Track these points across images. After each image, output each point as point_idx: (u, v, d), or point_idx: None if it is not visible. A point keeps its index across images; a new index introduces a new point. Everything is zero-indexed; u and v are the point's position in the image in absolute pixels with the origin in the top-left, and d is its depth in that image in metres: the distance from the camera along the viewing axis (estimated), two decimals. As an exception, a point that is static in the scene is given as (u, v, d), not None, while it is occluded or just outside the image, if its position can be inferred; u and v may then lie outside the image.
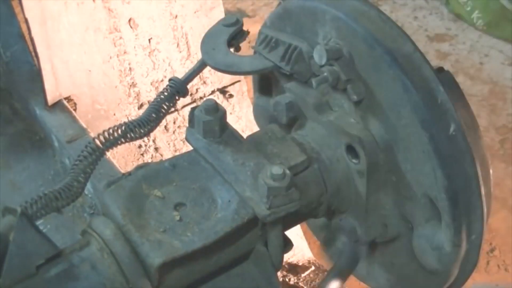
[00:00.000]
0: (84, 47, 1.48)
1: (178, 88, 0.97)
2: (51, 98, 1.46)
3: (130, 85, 1.57)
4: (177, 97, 0.97)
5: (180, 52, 1.61)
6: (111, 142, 0.89)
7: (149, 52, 1.57)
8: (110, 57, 1.52)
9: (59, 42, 1.43)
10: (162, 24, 1.57)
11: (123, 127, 0.90)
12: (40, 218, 0.82)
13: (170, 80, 0.98)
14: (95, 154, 0.88)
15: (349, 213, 0.93)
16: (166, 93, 0.97)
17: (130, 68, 1.55)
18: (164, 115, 0.95)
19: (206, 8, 1.60)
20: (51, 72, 1.43)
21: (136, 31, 1.53)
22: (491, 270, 1.72)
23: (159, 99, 0.96)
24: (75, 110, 1.49)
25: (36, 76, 1.45)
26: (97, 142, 0.88)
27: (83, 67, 1.48)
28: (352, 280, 1.15)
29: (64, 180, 0.86)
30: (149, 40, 1.56)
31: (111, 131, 0.89)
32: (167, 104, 0.96)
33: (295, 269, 1.60)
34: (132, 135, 0.91)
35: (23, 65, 1.48)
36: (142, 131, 0.92)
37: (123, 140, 0.90)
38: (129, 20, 1.52)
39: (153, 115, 0.94)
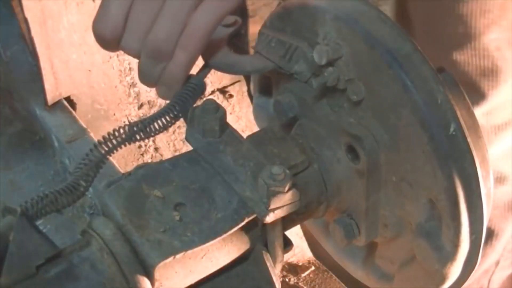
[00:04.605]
0: (84, 47, 1.48)
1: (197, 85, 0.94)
2: (50, 98, 1.46)
3: (130, 85, 1.57)
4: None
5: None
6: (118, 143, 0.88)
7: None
8: (110, 57, 1.52)
9: (59, 42, 1.43)
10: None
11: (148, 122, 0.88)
12: (40, 218, 0.82)
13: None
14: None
15: (348, 213, 0.93)
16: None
17: (130, 68, 1.55)
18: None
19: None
20: (51, 72, 1.43)
21: None
22: (491, 270, 1.72)
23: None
24: (75, 110, 1.50)
25: (36, 76, 1.45)
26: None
27: (83, 67, 1.48)
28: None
29: (67, 181, 0.85)
30: None
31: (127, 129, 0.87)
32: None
33: (295, 269, 1.60)
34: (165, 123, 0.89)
35: (23, 65, 1.48)
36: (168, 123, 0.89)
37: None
38: None
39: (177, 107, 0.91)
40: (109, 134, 0.86)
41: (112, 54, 1.50)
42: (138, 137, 0.88)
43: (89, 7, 1.45)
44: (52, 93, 1.44)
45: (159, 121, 0.89)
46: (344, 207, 0.93)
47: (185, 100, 0.91)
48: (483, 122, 1.33)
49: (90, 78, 1.49)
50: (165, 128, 0.90)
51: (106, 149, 0.86)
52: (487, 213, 0.85)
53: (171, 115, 0.90)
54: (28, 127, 1.51)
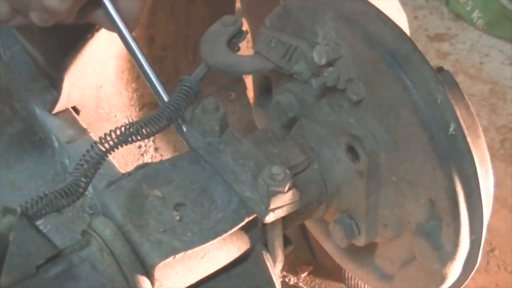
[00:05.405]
0: (103, 72, 1.47)
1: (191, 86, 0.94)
2: (56, 110, 1.45)
3: (134, 90, 1.57)
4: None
5: (187, 56, 1.62)
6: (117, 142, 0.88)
7: (160, 61, 1.56)
8: (122, 72, 1.51)
9: (82, 76, 1.42)
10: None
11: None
12: (40, 218, 0.82)
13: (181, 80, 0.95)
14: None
15: (348, 213, 0.93)
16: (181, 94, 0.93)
17: (137, 77, 1.55)
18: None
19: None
20: (66, 96, 1.43)
21: (152, 47, 1.53)
22: (491, 270, 1.72)
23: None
24: (78, 114, 1.49)
25: (36, 76, 1.45)
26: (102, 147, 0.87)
27: (96, 85, 1.48)
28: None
29: (67, 181, 0.85)
30: (161, 49, 1.56)
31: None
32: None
33: (295, 269, 1.60)
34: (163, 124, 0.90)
35: (23, 65, 1.48)
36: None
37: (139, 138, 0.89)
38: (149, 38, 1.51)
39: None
40: (105, 134, 0.87)
41: (124, 68, 1.50)
42: (134, 138, 0.88)
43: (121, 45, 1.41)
44: (59, 107, 1.43)
45: (154, 123, 0.89)
46: (344, 207, 0.93)
47: (180, 103, 0.91)
48: None
49: (99, 91, 1.49)
50: (160, 130, 0.90)
51: (104, 149, 0.86)
52: (487, 213, 0.85)
53: (166, 119, 0.90)
54: (28, 127, 1.51)
